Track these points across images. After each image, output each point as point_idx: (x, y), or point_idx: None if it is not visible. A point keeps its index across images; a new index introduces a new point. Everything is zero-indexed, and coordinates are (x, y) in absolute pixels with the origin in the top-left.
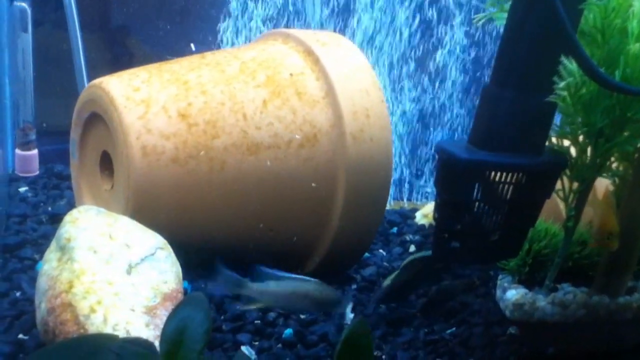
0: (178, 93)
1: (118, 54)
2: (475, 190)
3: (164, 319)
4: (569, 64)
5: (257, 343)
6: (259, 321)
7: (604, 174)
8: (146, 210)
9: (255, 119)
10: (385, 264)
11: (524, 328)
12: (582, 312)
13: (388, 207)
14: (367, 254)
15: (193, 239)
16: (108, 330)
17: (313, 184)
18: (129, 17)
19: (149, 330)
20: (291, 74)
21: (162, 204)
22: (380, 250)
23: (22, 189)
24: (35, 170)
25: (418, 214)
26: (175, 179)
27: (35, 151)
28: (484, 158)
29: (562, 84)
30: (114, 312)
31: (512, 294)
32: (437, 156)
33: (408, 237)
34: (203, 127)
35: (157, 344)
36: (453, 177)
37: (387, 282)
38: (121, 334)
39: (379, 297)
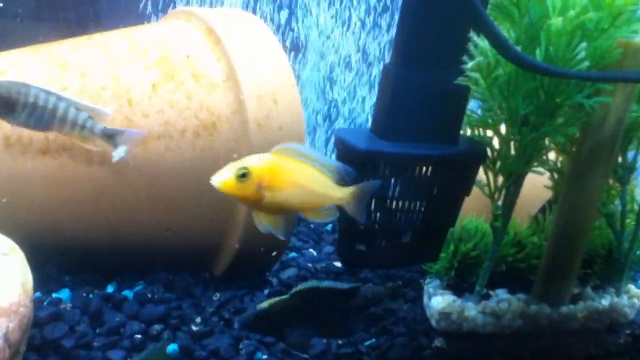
0: (52, 75)
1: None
2: (380, 186)
3: None
4: (480, 42)
5: None
6: (141, 335)
7: (536, 168)
8: (13, 207)
9: (142, 104)
10: (309, 264)
11: (452, 340)
12: (519, 323)
13: None
14: (294, 254)
15: (71, 240)
16: None
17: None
18: None
19: None
20: (188, 55)
21: (31, 200)
22: (311, 250)
23: None
24: None
25: None
26: (47, 173)
27: None
28: (384, 149)
29: (471, 64)
30: None
31: (438, 301)
32: (335, 146)
33: None
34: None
35: None
36: None
37: (263, 305)
38: None
39: (245, 320)
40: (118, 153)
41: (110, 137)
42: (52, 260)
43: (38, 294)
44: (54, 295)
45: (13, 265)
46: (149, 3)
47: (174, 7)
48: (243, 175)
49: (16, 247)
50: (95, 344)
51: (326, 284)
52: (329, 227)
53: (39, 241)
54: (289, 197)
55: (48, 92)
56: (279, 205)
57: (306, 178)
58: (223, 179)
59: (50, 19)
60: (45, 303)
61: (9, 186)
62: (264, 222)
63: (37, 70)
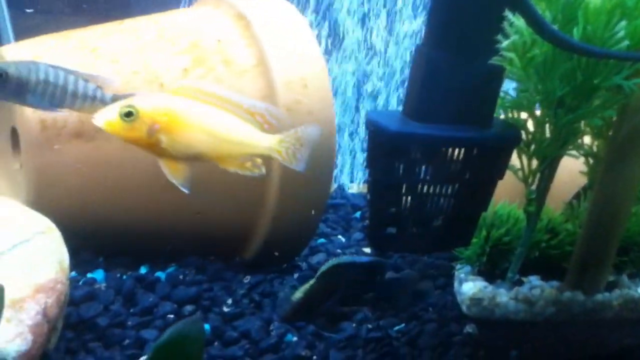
0: (84, 61)
1: None
2: (411, 168)
3: (33, 313)
4: (516, 20)
5: None
6: (173, 315)
7: (572, 152)
8: (49, 189)
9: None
10: (338, 250)
11: (483, 327)
12: (551, 310)
13: (355, 190)
14: (323, 240)
15: (105, 223)
16: None
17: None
18: None
19: (9, 326)
20: (218, 40)
21: (67, 183)
22: (339, 237)
23: None
24: None
25: None
26: (81, 156)
27: None
28: (416, 130)
29: (506, 43)
30: None
31: (469, 287)
32: (366, 129)
33: None
34: None
35: (18, 341)
36: (382, 152)
37: (298, 294)
38: None
39: (285, 314)
40: None
41: None
42: (86, 242)
43: (73, 273)
44: (89, 275)
45: (50, 244)
46: None
47: None
48: (128, 115)
49: (53, 226)
50: (129, 323)
51: (346, 259)
52: (358, 214)
53: (74, 223)
54: (193, 142)
55: (55, 67)
56: (182, 152)
57: (214, 121)
58: (106, 118)
59: (78, 12)
60: (80, 283)
61: (45, 169)
62: (166, 171)
63: (69, 57)
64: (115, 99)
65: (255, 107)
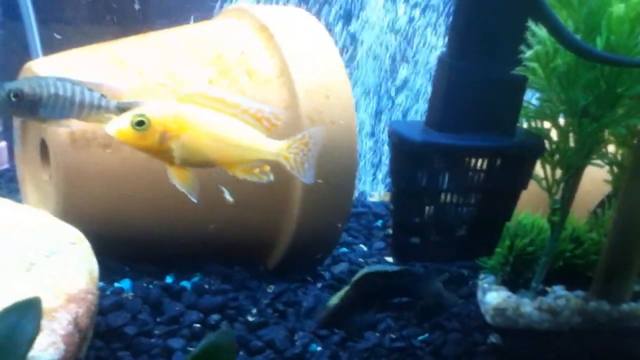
0: (113, 73)
1: None
2: (434, 178)
3: (65, 323)
4: (538, 30)
5: (192, 349)
6: (199, 325)
7: (596, 161)
8: (77, 200)
9: None
10: (360, 259)
11: (507, 336)
12: (577, 320)
13: (377, 198)
14: (345, 249)
15: (132, 231)
16: None
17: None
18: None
19: (43, 336)
20: (242, 52)
21: (95, 194)
22: (361, 245)
23: None
24: (2, 163)
25: None
26: (109, 166)
27: (2, 144)
28: (440, 140)
29: (529, 53)
30: None
31: (493, 296)
32: (389, 139)
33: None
34: None
35: (51, 350)
36: (406, 162)
37: (333, 300)
38: None
39: (322, 319)
40: None
41: (126, 110)
42: (113, 251)
43: (101, 283)
44: (116, 285)
45: (80, 254)
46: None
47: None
48: (140, 124)
49: (82, 236)
50: (156, 332)
51: (376, 267)
52: (379, 223)
53: (101, 233)
54: (203, 149)
55: (61, 79)
56: (192, 159)
57: (222, 127)
58: (118, 127)
59: (102, 21)
60: (108, 292)
61: (74, 179)
62: (175, 179)
63: (97, 69)
64: (119, 106)
65: (262, 112)
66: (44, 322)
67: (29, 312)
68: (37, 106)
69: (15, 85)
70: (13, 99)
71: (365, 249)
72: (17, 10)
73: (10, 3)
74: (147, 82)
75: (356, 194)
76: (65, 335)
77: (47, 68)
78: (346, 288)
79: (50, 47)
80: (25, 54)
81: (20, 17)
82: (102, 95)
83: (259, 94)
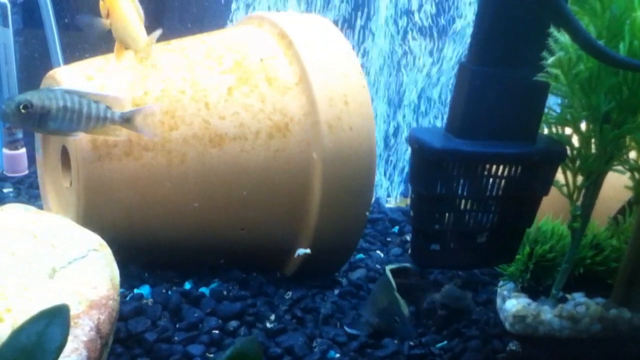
0: (134, 81)
1: None
2: (455, 185)
3: (87, 329)
4: (561, 37)
5: (211, 355)
6: (218, 331)
7: (617, 167)
8: (99, 207)
9: (219, 107)
10: (377, 266)
11: (527, 344)
12: (597, 327)
13: (393, 204)
14: (362, 255)
15: (152, 238)
16: None
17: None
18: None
19: None
20: (261, 59)
21: (116, 200)
22: (378, 252)
23: (7, 190)
24: (23, 169)
25: None
26: (130, 174)
27: (22, 150)
28: (460, 147)
29: (551, 60)
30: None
31: (513, 303)
32: (409, 146)
33: (409, 237)
34: (160, 117)
35: (74, 357)
36: (426, 168)
37: (405, 309)
38: None
39: (412, 330)
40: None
41: (129, 120)
42: (133, 257)
43: (121, 289)
44: (136, 291)
45: (102, 261)
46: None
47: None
48: None
49: (104, 243)
50: (175, 338)
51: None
52: (396, 229)
53: (121, 239)
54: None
55: (69, 91)
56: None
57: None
58: None
59: None
60: (127, 298)
61: (95, 187)
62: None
63: (120, 76)
64: (124, 117)
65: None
66: None
67: (57, 318)
68: (46, 119)
69: (24, 98)
70: (22, 111)
71: (381, 255)
72: (37, 17)
73: (30, 10)
74: (169, 89)
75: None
76: (88, 341)
77: (68, 76)
78: (397, 295)
79: (71, 55)
80: (47, 62)
81: (41, 24)
82: (108, 107)
83: (278, 101)
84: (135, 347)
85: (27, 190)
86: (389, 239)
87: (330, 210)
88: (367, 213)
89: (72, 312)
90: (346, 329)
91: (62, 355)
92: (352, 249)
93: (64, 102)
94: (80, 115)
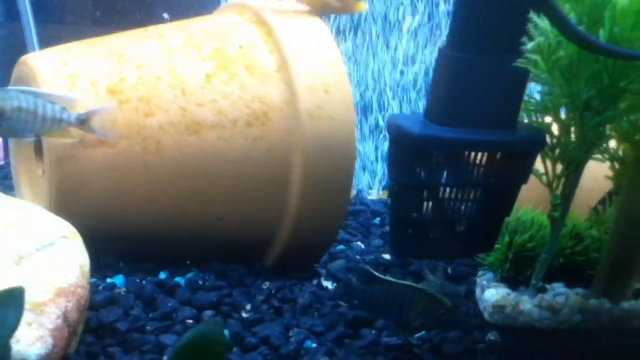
0: (111, 67)
1: None
2: (433, 172)
3: (53, 317)
4: (540, 22)
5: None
6: (192, 321)
7: (597, 156)
8: (72, 194)
9: (196, 95)
10: (357, 257)
11: (507, 334)
12: (577, 318)
13: (375, 196)
14: (343, 246)
15: (128, 227)
16: None
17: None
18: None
19: (30, 330)
20: (240, 46)
21: (89, 189)
22: (359, 243)
23: None
24: (0, 159)
25: None
26: (104, 161)
27: None
28: (439, 134)
29: (530, 45)
30: None
31: (492, 293)
32: (388, 132)
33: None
34: (135, 104)
35: (38, 345)
36: (404, 155)
37: (447, 302)
38: None
39: (460, 321)
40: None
41: (85, 121)
42: (107, 246)
43: (94, 279)
44: (109, 280)
45: (72, 249)
46: None
47: None
48: None
49: (75, 231)
50: (148, 328)
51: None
52: (377, 220)
53: (95, 228)
54: None
55: (23, 91)
56: None
57: None
58: None
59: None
60: (100, 287)
61: (67, 174)
62: None
63: (97, 62)
64: (79, 118)
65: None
66: (33, 316)
67: (11, 302)
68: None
69: None
70: None
71: (362, 246)
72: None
73: (12, 4)
74: (145, 75)
75: (354, 191)
76: (54, 330)
77: (43, 62)
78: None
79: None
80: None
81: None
82: (63, 108)
83: (258, 89)
84: (106, 337)
85: (1, 181)
86: (370, 230)
87: (310, 200)
88: (348, 203)
89: (39, 300)
90: (385, 339)
91: (26, 343)
92: (333, 239)
93: (18, 102)
94: (35, 116)
